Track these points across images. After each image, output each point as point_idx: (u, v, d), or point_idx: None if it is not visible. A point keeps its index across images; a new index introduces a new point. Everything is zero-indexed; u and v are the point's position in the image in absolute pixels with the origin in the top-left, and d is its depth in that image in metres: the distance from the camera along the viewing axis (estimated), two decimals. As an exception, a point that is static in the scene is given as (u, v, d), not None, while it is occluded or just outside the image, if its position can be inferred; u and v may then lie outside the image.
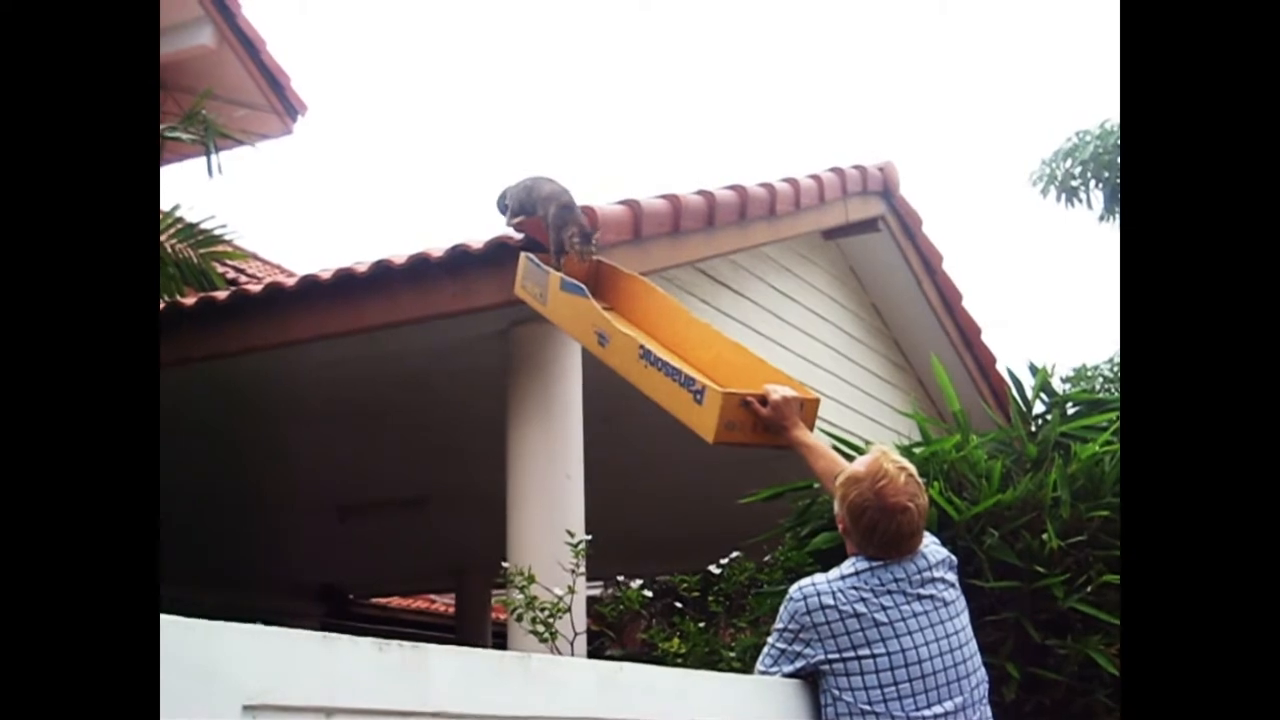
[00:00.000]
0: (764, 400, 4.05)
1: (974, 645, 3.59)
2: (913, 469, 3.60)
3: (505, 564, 5.70)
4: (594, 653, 5.97)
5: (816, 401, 4.17)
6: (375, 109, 60.97)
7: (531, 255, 5.09)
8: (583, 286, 4.81)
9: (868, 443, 4.84)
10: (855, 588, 3.49)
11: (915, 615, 3.48)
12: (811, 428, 4.12)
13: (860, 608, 3.46)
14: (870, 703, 3.42)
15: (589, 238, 5.67)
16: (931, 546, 3.64)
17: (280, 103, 9.65)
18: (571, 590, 5.06)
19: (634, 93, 68.11)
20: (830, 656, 3.47)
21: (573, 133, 61.53)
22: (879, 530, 3.51)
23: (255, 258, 12.08)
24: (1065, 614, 4.26)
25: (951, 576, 3.62)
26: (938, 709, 3.41)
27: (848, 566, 3.57)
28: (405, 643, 2.30)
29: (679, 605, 5.67)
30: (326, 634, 2.16)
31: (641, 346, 4.37)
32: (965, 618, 3.61)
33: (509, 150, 58.80)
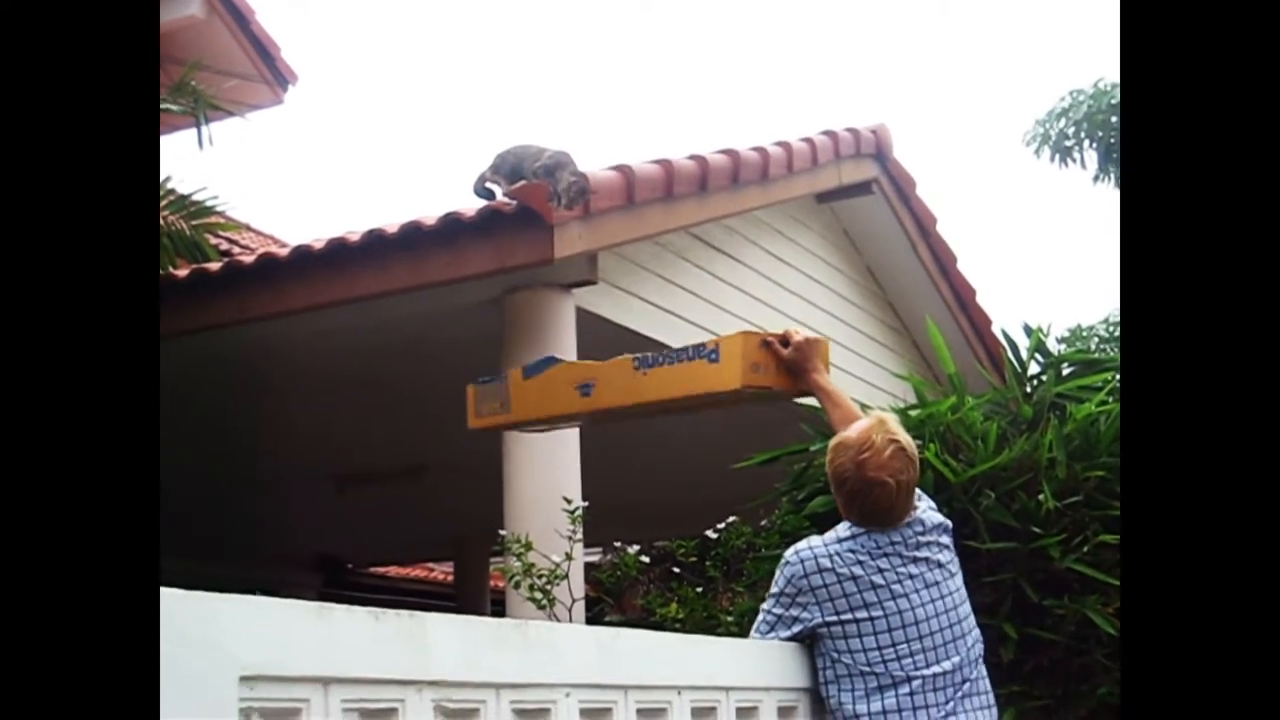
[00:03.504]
0: (785, 342, 4.03)
1: (968, 607, 3.61)
2: (906, 441, 3.57)
3: (503, 532, 5.70)
4: (592, 619, 5.98)
5: (827, 345, 4.17)
6: (367, 78, 60.80)
7: (479, 380, 4.86)
8: (551, 356, 4.71)
9: (865, 407, 4.84)
10: (852, 550, 3.50)
11: (912, 577, 3.49)
12: (826, 370, 4.11)
13: (858, 570, 3.47)
14: (870, 664, 3.43)
15: (582, 190, 5.68)
16: (928, 512, 3.64)
17: (270, 73, 9.60)
18: (569, 557, 5.07)
19: (627, 58, 67.94)
20: (828, 619, 3.48)
21: (565, 98, 61.40)
22: (857, 501, 3.52)
23: (248, 229, 12.03)
24: (1062, 574, 4.27)
25: (946, 540, 3.62)
26: (935, 669, 3.43)
27: (844, 529, 3.57)
28: (402, 611, 2.31)
29: (676, 570, 5.68)
30: (323, 604, 2.16)
31: (635, 357, 4.30)
32: (960, 580, 3.62)
33: (500, 118, 58.68)
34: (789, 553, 3.62)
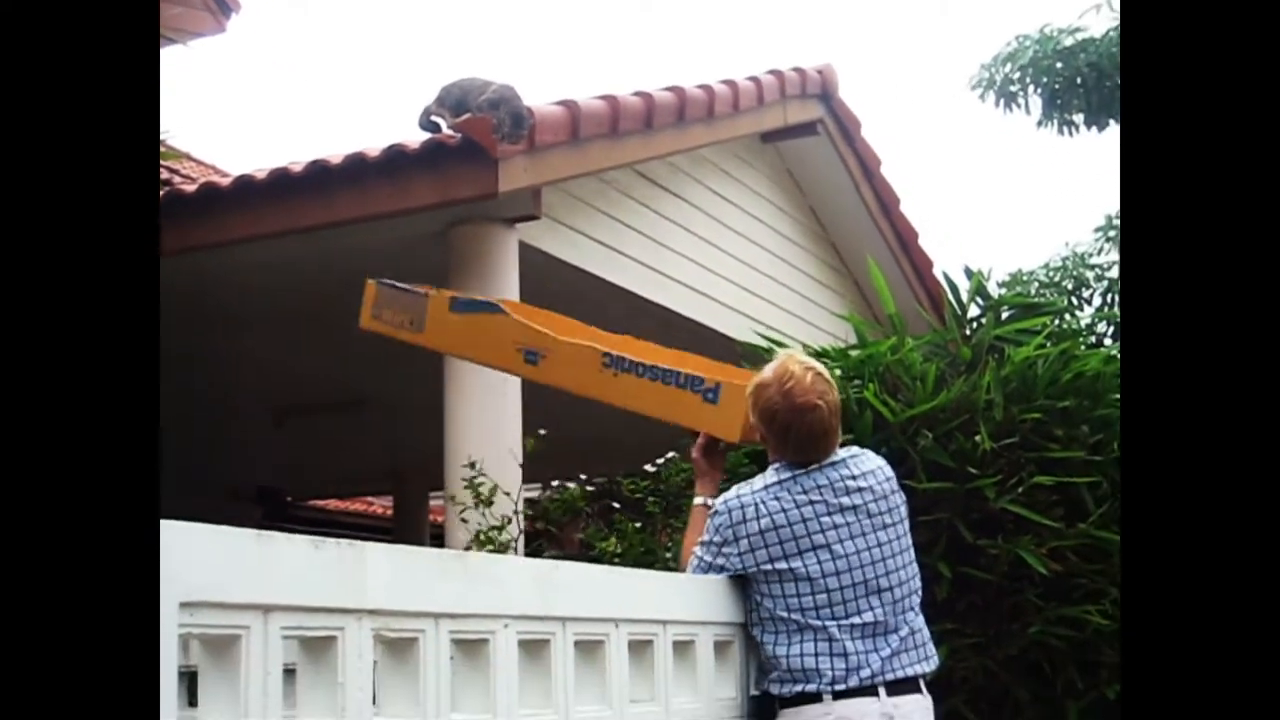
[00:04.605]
0: None
1: (906, 556, 3.63)
2: (820, 368, 3.65)
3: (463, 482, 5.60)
4: (531, 554, 6.00)
5: None
6: (312, 6, 60.05)
7: (385, 280, 4.63)
8: (495, 302, 4.50)
9: (806, 347, 4.87)
10: (777, 498, 3.53)
11: (835, 527, 3.52)
12: None
13: (780, 519, 3.51)
14: (789, 610, 3.48)
15: (520, 121, 5.65)
16: (861, 457, 3.67)
17: (213, 0, 9.47)
18: (517, 512, 5.11)
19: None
20: (749, 568, 3.53)
21: (514, 34, 60.88)
22: (792, 431, 3.56)
23: (188, 158, 11.89)
24: (996, 514, 4.31)
25: (883, 488, 3.63)
26: (855, 620, 3.47)
27: (770, 475, 3.60)
28: (342, 540, 2.32)
29: (616, 506, 5.70)
30: (263, 532, 2.16)
31: (605, 354, 4.17)
32: (898, 529, 3.62)
33: (445, 50, 58.16)
34: (717, 502, 3.67)
